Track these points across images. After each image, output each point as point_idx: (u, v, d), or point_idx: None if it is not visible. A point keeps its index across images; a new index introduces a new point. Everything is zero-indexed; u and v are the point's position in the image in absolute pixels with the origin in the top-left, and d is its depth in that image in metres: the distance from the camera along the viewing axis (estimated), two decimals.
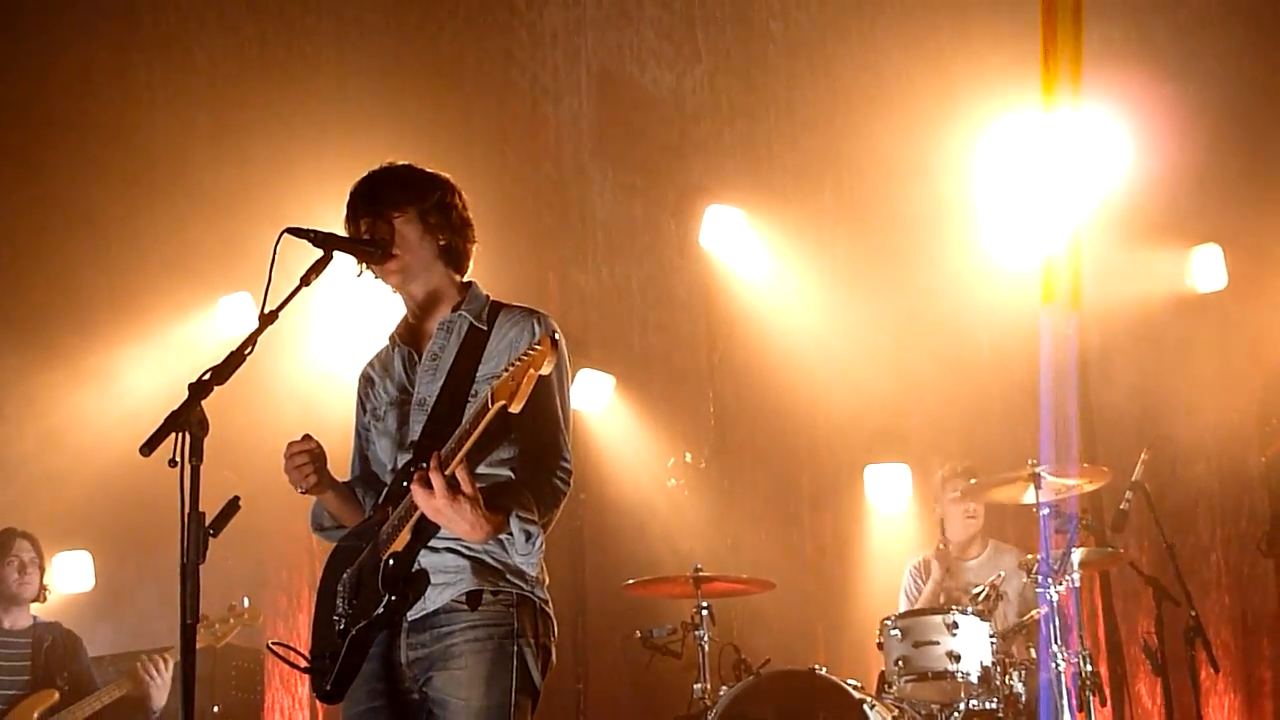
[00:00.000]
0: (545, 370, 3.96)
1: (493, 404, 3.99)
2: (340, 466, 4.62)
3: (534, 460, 4.34)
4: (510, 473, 4.35)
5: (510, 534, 4.20)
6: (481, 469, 4.28)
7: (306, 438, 4.45)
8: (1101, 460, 8.06)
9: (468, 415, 4.12)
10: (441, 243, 4.54)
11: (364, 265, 4.50)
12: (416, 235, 4.50)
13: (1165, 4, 9.24)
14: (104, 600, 9.70)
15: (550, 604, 4.41)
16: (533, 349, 3.96)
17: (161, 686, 7.40)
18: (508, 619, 4.26)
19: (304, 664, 4.43)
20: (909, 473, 9.68)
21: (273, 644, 4.55)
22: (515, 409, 3.97)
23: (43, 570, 7.99)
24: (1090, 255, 8.70)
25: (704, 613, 7.70)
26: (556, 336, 4.10)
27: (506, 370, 3.99)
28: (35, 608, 7.96)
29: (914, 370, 9.51)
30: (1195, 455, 8.91)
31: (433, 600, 4.26)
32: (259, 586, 10.07)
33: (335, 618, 4.35)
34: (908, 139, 9.46)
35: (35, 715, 7.42)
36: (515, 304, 4.56)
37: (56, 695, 7.49)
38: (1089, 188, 8.70)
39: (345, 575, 4.38)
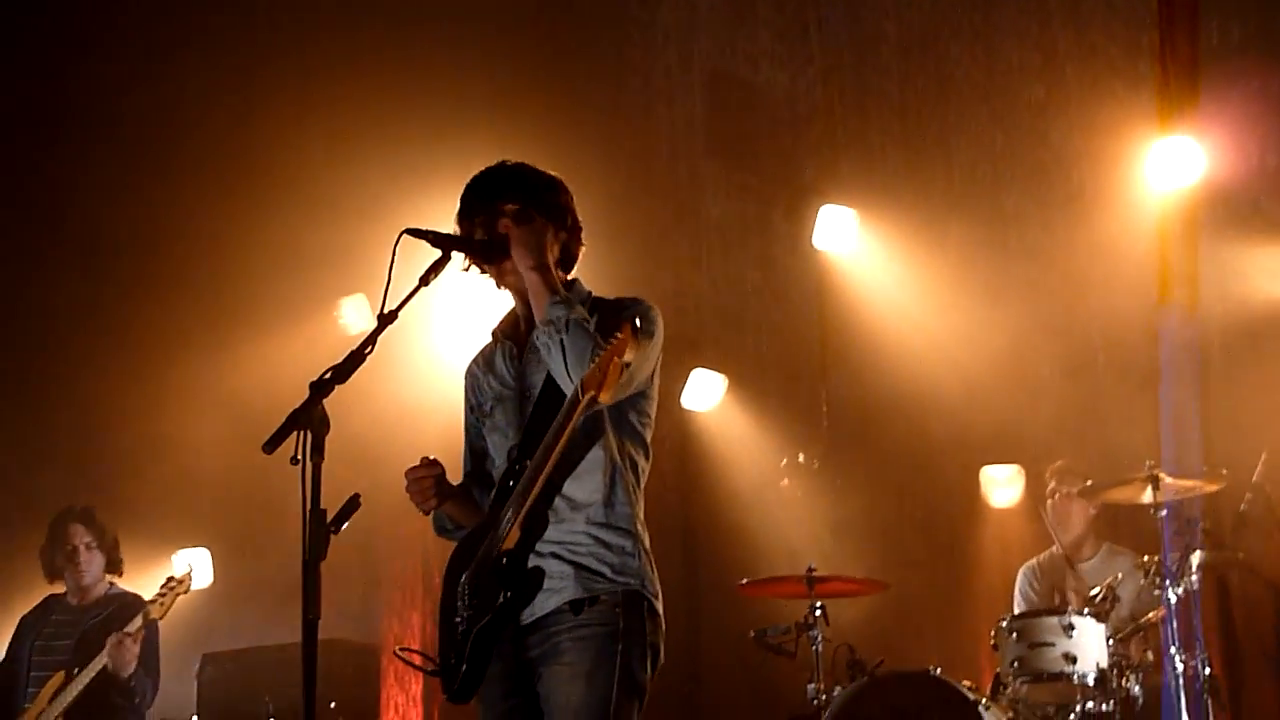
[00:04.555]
0: (629, 358, 4.05)
1: (583, 396, 4.08)
2: (454, 466, 4.66)
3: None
4: (602, 450, 4.38)
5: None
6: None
7: (429, 462, 4.48)
8: (1221, 462, 7.94)
9: (562, 409, 4.19)
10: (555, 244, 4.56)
11: (478, 264, 4.53)
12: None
13: None
14: (223, 597, 9.82)
15: (660, 598, 4.41)
16: (615, 337, 4.04)
17: (128, 660, 7.41)
18: (613, 619, 4.27)
19: (430, 667, 4.45)
20: (1023, 474, 9.60)
21: (399, 650, 4.62)
22: (605, 399, 4.09)
23: (108, 546, 8.03)
24: (1208, 254, 8.59)
25: (818, 613, 7.69)
26: (639, 322, 4.13)
27: (593, 361, 4.08)
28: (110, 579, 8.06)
29: (1028, 371, 9.41)
30: None
31: (540, 606, 4.29)
32: (373, 584, 10.20)
33: (457, 620, 4.36)
34: (1021, 136, 9.41)
35: (48, 699, 7.47)
36: (614, 297, 4.59)
37: (62, 675, 7.50)
38: (1206, 184, 8.59)
39: (464, 576, 4.40)
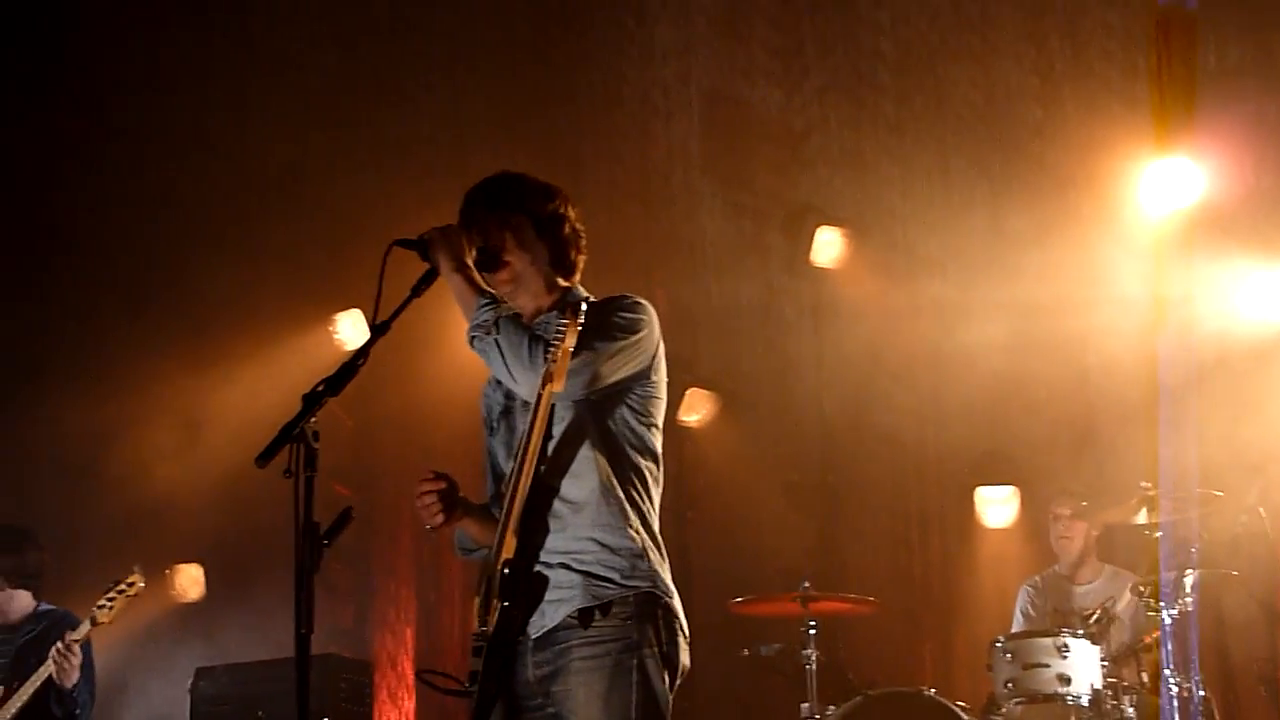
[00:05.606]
0: (570, 343, 4.06)
1: (542, 390, 4.08)
2: (471, 489, 4.60)
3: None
4: (592, 449, 4.31)
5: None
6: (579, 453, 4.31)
7: (438, 476, 4.35)
8: (1216, 484, 7.94)
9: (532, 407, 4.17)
10: (553, 252, 4.53)
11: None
12: (529, 244, 4.48)
13: None
14: (217, 612, 9.79)
15: (676, 596, 4.32)
16: (559, 327, 4.06)
17: (72, 669, 7.22)
18: (625, 633, 4.18)
19: (456, 687, 4.27)
20: (1018, 494, 9.60)
21: (421, 673, 4.49)
22: (557, 389, 4.07)
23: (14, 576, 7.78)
24: (1204, 275, 8.61)
25: (811, 632, 7.67)
26: (583, 306, 4.15)
27: (546, 352, 4.09)
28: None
29: (1023, 391, 9.41)
30: None
31: (550, 617, 4.21)
32: (367, 600, 10.18)
33: (473, 637, 4.24)
34: (1018, 157, 9.41)
35: None
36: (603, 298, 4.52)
37: (0, 689, 7.37)
38: (1203, 205, 8.60)
39: (479, 596, 4.30)
